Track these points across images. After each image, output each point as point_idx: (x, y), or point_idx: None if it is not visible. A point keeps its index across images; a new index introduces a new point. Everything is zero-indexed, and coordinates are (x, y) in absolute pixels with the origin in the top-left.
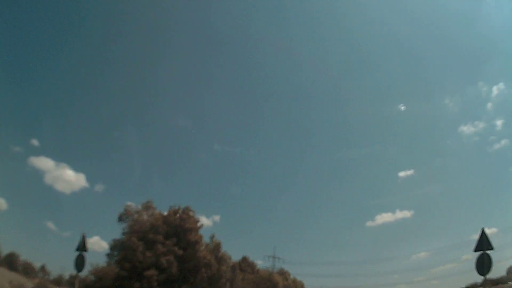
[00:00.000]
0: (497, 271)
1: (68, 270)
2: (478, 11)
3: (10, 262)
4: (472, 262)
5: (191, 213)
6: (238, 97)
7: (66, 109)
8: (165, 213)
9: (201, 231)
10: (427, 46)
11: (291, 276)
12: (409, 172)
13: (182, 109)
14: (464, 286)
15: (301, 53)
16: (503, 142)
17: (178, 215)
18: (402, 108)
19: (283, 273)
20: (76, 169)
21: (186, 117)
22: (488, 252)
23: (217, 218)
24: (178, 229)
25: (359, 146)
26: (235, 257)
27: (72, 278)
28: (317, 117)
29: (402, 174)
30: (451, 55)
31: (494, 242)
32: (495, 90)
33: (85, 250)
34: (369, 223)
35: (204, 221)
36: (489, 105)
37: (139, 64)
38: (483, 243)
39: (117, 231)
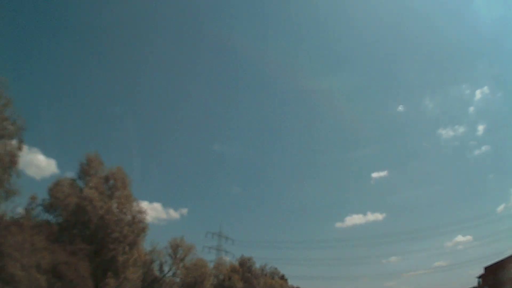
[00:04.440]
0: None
1: None
2: (468, 11)
3: None
4: (444, 268)
5: None
6: (216, 91)
7: (45, 94)
8: None
9: None
10: (412, 44)
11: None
12: (383, 174)
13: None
14: None
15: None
16: (483, 148)
17: None
18: (401, 108)
19: None
20: (47, 154)
21: (168, 110)
22: None
23: (184, 211)
24: None
25: (333, 145)
26: None
27: None
28: (292, 117)
29: (375, 175)
30: (435, 54)
31: (468, 250)
32: (478, 93)
33: None
34: (338, 224)
35: (172, 214)
36: (471, 109)
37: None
38: None
39: None
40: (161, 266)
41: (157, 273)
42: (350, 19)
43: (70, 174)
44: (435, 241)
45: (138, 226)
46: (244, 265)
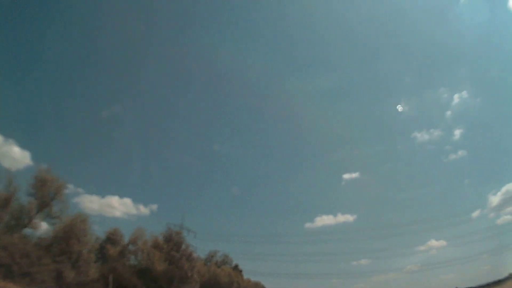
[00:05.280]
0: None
1: None
2: (451, 15)
3: None
4: (416, 273)
5: None
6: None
7: (19, 83)
8: None
9: None
10: (391, 46)
11: None
12: (354, 175)
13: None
14: None
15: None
16: (460, 153)
17: None
18: (400, 108)
19: None
20: (22, 146)
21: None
22: None
23: (154, 207)
24: None
25: (306, 146)
26: None
27: None
28: (267, 119)
29: (346, 176)
30: (414, 57)
31: (441, 255)
32: (456, 98)
33: None
34: (308, 224)
35: (141, 209)
36: (448, 113)
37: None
38: None
39: None
40: (20, 213)
41: (12, 222)
42: (325, 21)
43: (43, 167)
44: (407, 244)
45: None
46: (171, 241)
